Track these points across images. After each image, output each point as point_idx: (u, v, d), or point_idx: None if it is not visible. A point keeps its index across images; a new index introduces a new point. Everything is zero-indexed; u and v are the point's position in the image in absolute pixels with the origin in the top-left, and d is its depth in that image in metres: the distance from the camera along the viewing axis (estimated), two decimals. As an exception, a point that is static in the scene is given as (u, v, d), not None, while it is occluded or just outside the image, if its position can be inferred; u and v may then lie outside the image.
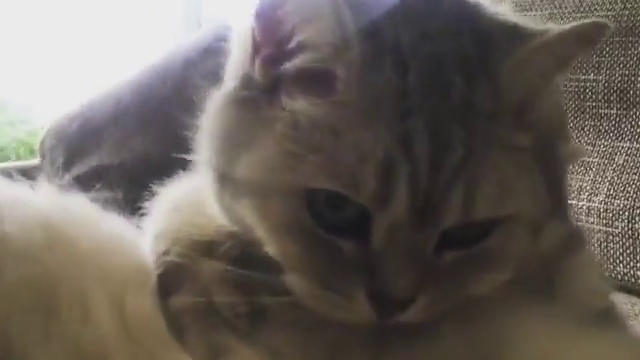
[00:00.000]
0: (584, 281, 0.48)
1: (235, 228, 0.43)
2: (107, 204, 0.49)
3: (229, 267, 0.42)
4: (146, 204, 0.48)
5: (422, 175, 0.37)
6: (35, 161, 1.76)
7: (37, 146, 1.74)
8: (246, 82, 0.42)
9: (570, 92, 1.04)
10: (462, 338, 0.41)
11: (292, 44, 0.40)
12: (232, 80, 0.44)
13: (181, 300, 0.42)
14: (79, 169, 1.33)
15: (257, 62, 0.42)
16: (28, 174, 0.58)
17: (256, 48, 0.42)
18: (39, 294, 0.37)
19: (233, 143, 0.42)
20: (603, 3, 1.04)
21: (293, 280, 0.40)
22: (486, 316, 0.42)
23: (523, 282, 0.44)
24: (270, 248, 0.40)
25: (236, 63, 0.44)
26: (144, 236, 0.47)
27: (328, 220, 0.39)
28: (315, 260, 0.39)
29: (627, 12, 1.02)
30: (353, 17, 0.39)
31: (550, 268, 0.46)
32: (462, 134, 0.38)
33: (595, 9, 1.04)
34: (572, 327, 0.43)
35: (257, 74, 0.42)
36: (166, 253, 0.44)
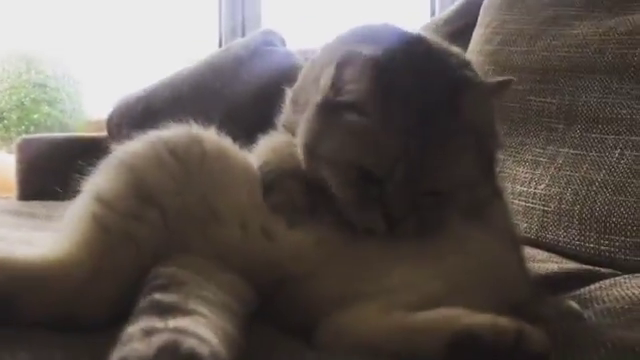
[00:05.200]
0: (499, 215, 0.85)
1: (310, 173, 0.77)
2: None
3: (301, 184, 0.78)
4: (251, 146, 0.84)
5: (414, 166, 0.70)
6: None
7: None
8: (325, 101, 0.75)
9: (532, 110, 1.32)
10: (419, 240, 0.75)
11: (347, 87, 0.73)
12: (319, 96, 0.76)
13: (276, 196, 0.78)
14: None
15: (333, 90, 0.74)
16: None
17: (333, 83, 0.72)
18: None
19: (319, 134, 0.75)
20: (562, 46, 1.35)
21: (342, 204, 0.74)
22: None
23: (466, 214, 0.79)
24: (335, 189, 0.73)
25: (323, 86, 0.76)
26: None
27: (366, 178, 0.72)
28: (357, 196, 0.73)
29: (576, 53, 1.33)
30: (378, 79, 0.68)
31: (482, 207, 0.81)
32: (439, 145, 0.70)
33: (557, 50, 1.35)
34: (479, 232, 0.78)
35: (331, 97, 0.74)
36: (270, 172, 0.80)
